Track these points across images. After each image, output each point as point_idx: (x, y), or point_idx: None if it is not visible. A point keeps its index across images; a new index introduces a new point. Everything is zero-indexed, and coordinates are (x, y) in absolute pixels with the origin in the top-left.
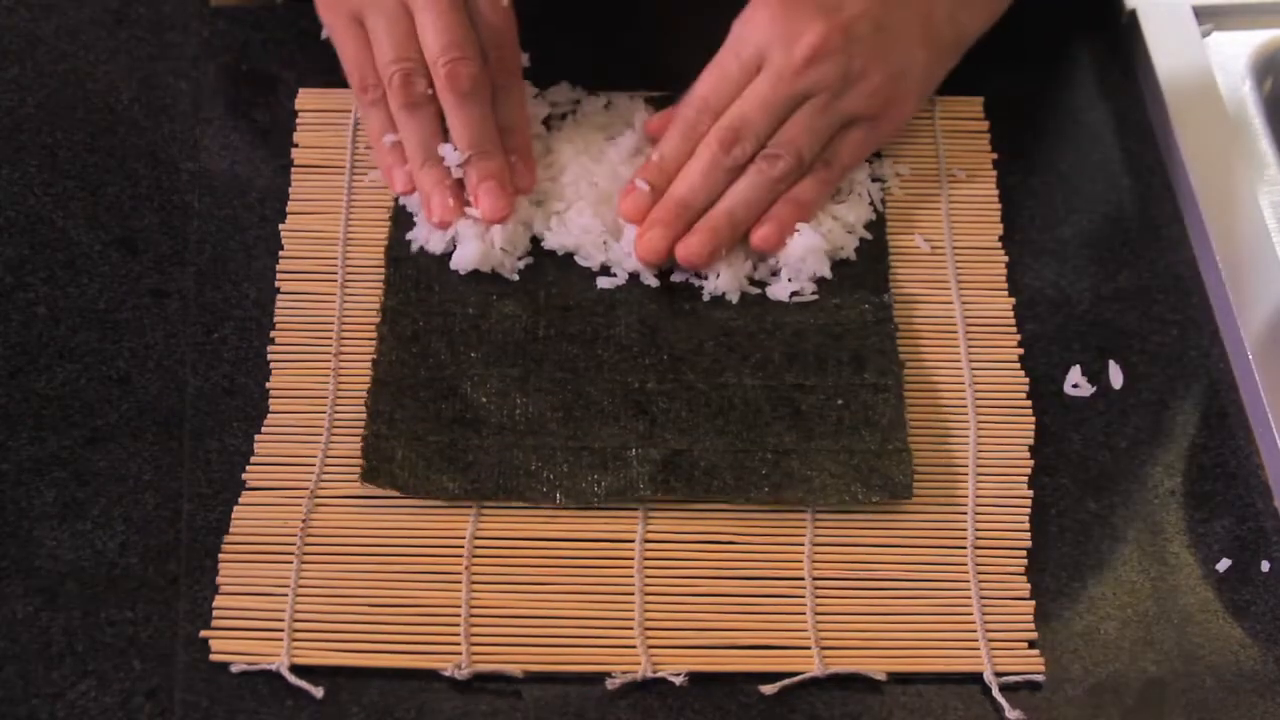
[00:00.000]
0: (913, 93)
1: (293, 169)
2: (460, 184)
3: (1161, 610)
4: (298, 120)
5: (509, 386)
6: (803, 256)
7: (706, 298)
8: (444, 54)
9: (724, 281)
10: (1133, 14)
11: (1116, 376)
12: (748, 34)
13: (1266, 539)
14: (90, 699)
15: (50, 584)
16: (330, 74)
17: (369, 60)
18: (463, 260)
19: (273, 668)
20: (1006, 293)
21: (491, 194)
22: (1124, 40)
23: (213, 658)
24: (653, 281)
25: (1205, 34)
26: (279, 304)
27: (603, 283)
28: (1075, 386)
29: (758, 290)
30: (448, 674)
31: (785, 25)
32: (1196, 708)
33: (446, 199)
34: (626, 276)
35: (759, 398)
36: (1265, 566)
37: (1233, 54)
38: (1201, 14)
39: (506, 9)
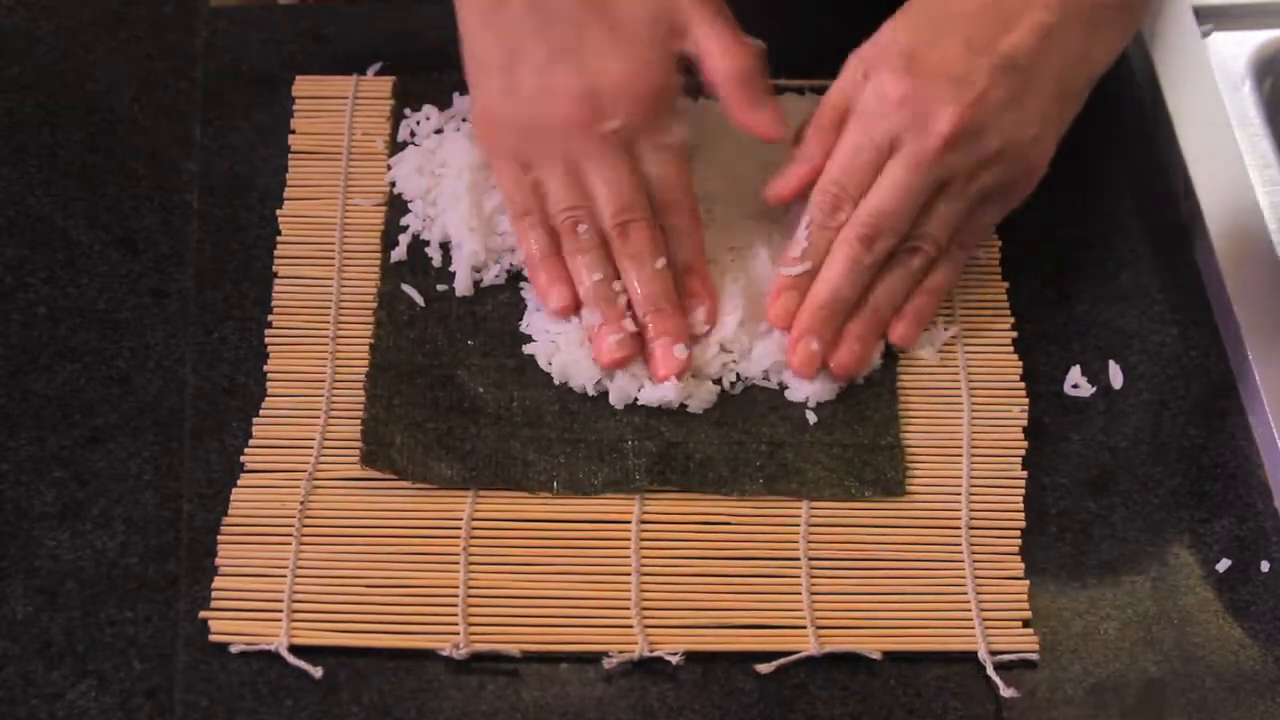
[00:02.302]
0: (1046, 153)
1: (290, 155)
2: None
3: (1161, 610)
4: (295, 107)
5: (505, 378)
6: None
7: None
8: (616, 217)
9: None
10: None
11: (1116, 376)
12: (877, 113)
13: (1266, 539)
14: (90, 699)
15: (50, 584)
16: (330, 74)
17: (532, 196)
18: (461, 278)
19: (272, 648)
20: (1000, 276)
21: (665, 352)
22: None
23: (212, 638)
24: None
25: (1205, 34)
26: (276, 288)
27: None
28: (1075, 386)
29: None
30: (445, 654)
31: (917, 107)
32: (1196, 708)
33: (614, 343)
34: None
35: (753, 388)
36: (1265, 566)
37: (1233, 54)
38: (1201, 14)
39: (675, 152)
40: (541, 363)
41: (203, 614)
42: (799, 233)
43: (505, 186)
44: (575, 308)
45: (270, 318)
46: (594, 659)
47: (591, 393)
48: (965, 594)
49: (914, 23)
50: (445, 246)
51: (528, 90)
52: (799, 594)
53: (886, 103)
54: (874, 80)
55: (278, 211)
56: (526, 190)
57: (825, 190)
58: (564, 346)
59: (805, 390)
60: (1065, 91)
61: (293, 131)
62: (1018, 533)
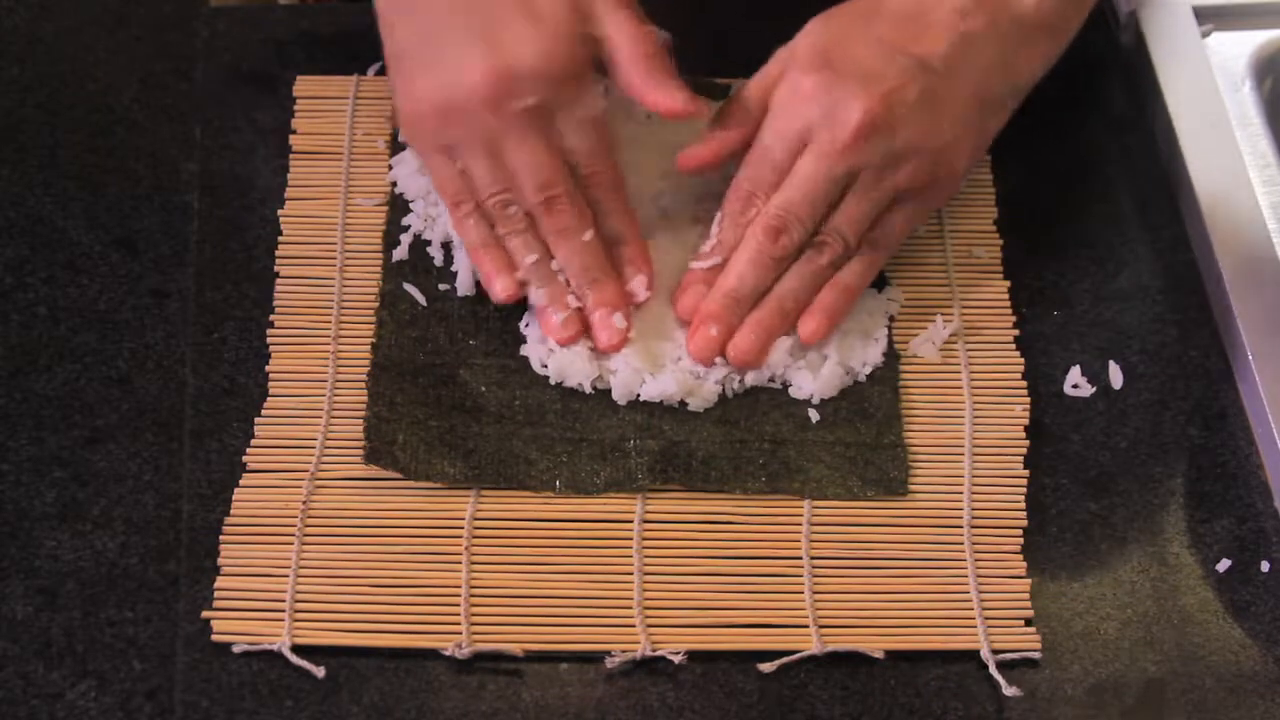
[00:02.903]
0: (964, 159)
1: (291, 155)
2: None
3: (1161, 610)
4: (296, 107)
5: (507, 377)
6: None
7: None
8: (537, 193)
9: None
10: (1132, 14)
11: (1116, 376)
12: (791, 109)
13: (1266, 539)
14: (90, 699)
15: (50, 584)
16: (330, 74)
17: (462, 184)
18: (463, 277)
19: (274, 648)
20: (1002, 275)
21: (605, 323)
22: (1124, 40)
23: (214, 638)
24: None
25: (1205, 34)
26: (278, 288)
27: None
28: (1075, 386)
29: None
30: (448, 653)
31: (828, 101)
32: (1196, 708)
33: (560, 321)
34: None
35: (756, 387)
36: (1265, 566)
37: (1233, 54)
38: (1201, 14)
39: (593, 126)
40: (535, 365)
41: (205, 614)
42: (713, 229)
43: (437, 179)
44: (519, 295)
45: (272, 318)
46: (595, 658)
47: (591, 390)
48: (968, 593)
49: (834, 24)
50: (447, 246)
51: (445, 72)
52: (801, 593)
53: (799, 98)
54: (789, 78)
55: (279, 212)
56: (456, 179)
57: (738, 186)
58: (558, 345)
59: (808, 387)
60: (984, 99)
61: (293, 131)
62: (1019, 531)
